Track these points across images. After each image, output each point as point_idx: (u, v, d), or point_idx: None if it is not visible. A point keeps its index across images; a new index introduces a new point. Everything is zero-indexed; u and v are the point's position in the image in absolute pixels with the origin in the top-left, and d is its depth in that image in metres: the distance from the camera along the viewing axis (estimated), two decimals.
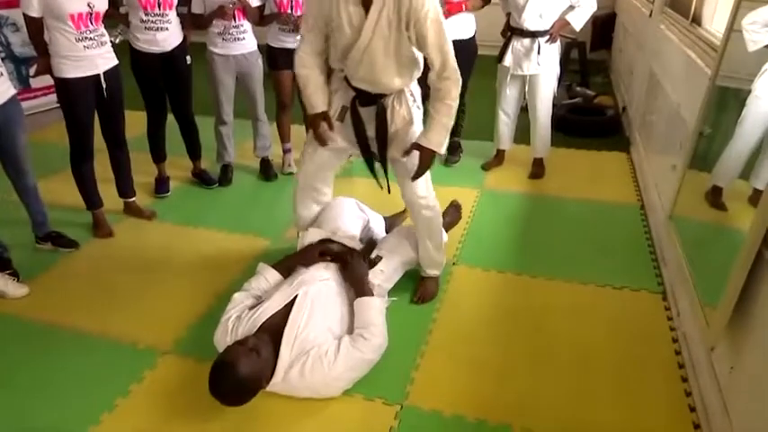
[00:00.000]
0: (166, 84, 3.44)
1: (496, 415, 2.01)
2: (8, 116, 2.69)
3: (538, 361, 2.26)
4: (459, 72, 2.19)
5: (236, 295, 2.31)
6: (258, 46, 3.67)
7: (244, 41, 3.56)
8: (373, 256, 2.56)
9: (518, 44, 3.56)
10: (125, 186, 3.40)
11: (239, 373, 1.90)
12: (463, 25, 3.65)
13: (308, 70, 2.35)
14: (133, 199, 3.44)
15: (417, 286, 2.66)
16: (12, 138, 2.73)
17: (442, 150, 2.31)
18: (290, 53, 3.60)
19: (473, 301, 2.65)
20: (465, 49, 3.76)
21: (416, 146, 2.30)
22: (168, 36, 3.30)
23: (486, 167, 4.02)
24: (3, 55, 2.69)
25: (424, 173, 2.36)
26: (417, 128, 2.40)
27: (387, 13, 2.09)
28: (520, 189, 3.74)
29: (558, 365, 2.24)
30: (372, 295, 2.30)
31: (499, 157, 4.04)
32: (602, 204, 3.53)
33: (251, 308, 2.21)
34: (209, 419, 1.98)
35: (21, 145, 2.78)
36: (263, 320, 2.11)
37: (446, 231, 2.89)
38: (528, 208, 3.51)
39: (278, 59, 3.65)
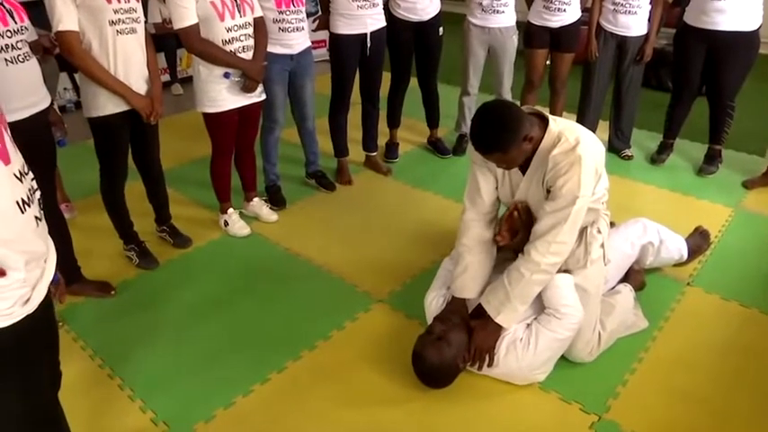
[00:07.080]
0: (417, 52, 3.54)
1: None
2: (302, 64, 3.04)
3: None
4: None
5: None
6: (517, 22, 3.62)
7: (502, 14, 3.51)
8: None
9: None
10: (370, 140, 3.67)
11: (427, 364, 1.97)
12: (745, 13, 3.10)
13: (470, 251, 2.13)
14: (374, 153, 3.71)
15: None
16: (302, 83, 3.10)
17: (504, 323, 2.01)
18: (548, 32, 3.53)
19: (702, 329, 2.37)
20: (744, 43, 3.21)
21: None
22: (428, 5, 3.39)
23: (748, 185, 3.50)
24: (313, 11, 3.10)
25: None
26: (594, 273, 2.13)
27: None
28: None
29: None
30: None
31: None
32: None
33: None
34: (404, 376, 2.06)
35: (308, 91, 3.15)
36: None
37: (691, 259, 2.67)
38: None
39: (534, 37, 3.59)
